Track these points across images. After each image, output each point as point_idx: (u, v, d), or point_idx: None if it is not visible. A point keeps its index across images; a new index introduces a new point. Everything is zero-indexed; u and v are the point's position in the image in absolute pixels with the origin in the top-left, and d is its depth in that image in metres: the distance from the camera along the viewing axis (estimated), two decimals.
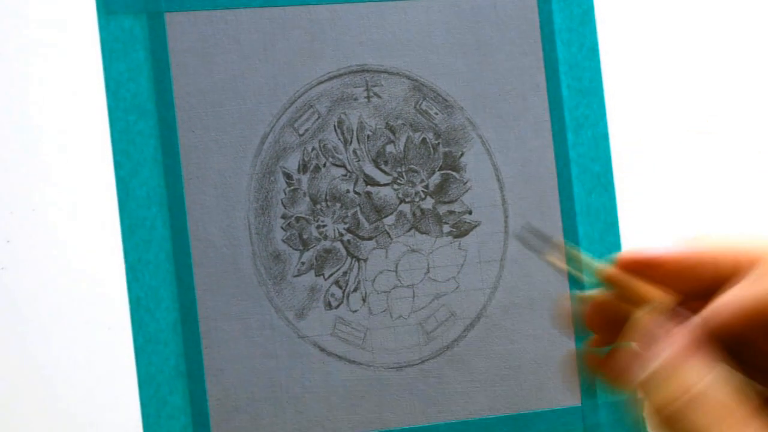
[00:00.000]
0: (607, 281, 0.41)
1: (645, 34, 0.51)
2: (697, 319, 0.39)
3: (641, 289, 0.40)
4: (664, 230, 0.50)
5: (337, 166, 0.47)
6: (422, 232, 0.48)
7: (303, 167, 0.47)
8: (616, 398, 0.48)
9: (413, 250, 0.48)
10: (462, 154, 0.49)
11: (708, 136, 0.51)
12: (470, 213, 0.48)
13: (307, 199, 0.47)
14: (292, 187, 0.47)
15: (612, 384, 0.44)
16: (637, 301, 0.40)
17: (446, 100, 0.49)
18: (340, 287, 0.47)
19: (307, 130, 0.47)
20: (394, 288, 0.47)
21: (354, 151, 0.48)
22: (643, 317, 0.39)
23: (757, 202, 0.52)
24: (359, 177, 0.47)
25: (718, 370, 0.38)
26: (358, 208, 0.47)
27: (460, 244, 0.48)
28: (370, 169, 0.48)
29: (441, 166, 0.48)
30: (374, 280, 0.47)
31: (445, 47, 0.49)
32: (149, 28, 0.46)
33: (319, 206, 0.47)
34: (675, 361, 0.38)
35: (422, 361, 0.47)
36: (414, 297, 0.48)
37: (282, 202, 0.47)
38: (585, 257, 0.41)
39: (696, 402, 0.37)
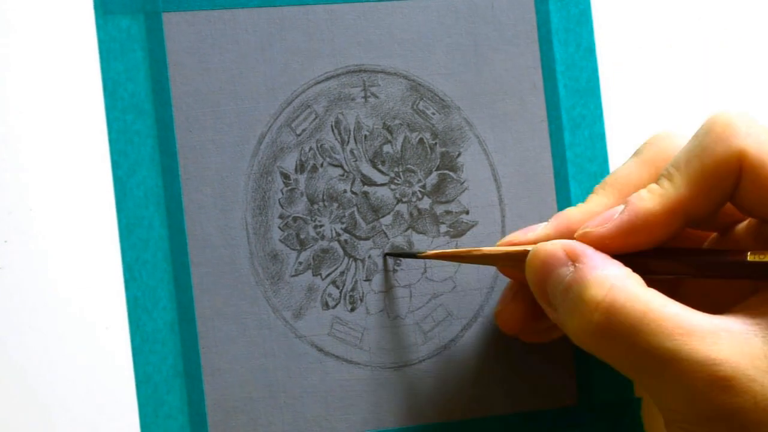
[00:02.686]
0: (484, 259, 0.43)
1: (642, 34, 0.51)
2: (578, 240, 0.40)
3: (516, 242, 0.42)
4: None
5: (335, 166, 0.47)
6: (419, 232, 0.48)
7: (300, 167, 0.47)
8: (613, 398, 0.49)
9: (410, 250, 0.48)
10: (459, 154, 0.49)
11: None
12: (467, 213, 0.49)
13: (305, 199, 0.47)
14: (289, 187, 0.47)
15: (529, 331, 0.45)
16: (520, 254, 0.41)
17: (443, 100, 0.49)
18: (338, 287, 0.47)
19: (304, 130, 0.47)
20: (391, 288, 0.48)
21: (351, 151, 0.48)
22: (532, 256, 0.40)
23: None
24: (356, 177, 0.48)
25: (622, 272, 0.38)
26: (355, 208, 0.47)
27: (457, 244, 0.48)
28: (367, 169, 0.48)
29: (438, 166, 0.48)
30: (371, 280, 0.47)
31: (442, 47, 0.49)
32: (146, 28, 0.46)
33: (316, 206, 0.47)
34: (578, 279, 0.38)
35: (419, 361, 0.47)
36: (411, 297, 0.48)
37: (279, 202, 0.47)
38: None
39: (613, 307, 0.36)
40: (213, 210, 0.46)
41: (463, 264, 0.48)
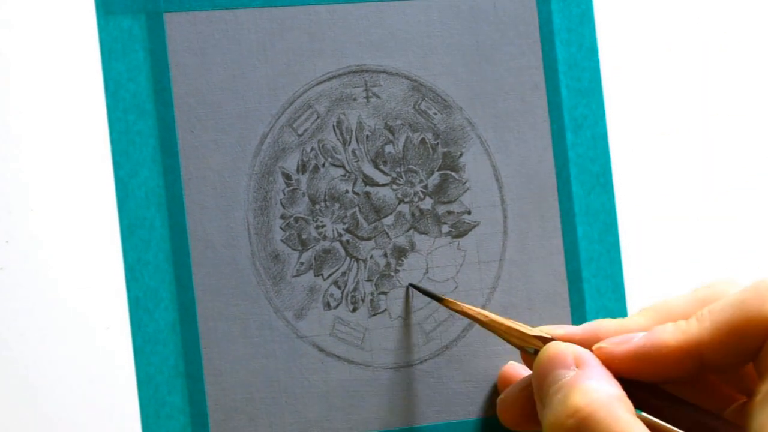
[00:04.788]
0: (493, 327, 0.43)
1: (644, 35, 0.51)
2: (591, 351, 0.40)
3: (532, 331, 0.43)
4: (663, 230, 0.50)
5: (336, 166, 0.47)
6: (421, 233, 0.48)
7: (302, 167, 0.47)
8: None
9: (412, 251, 0.48)
10: (461, 155, 0.49)
11: (708, 136, 0.51)
12: (469, 213, 0.49)
13: (306, 199, 0.47)
14: (291, 188, 0.47)
15: (514, 422, 0.45)
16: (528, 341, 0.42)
17: (445, 100, 0.49)
18: (339, 287, 0.47)
19: (306, 130, 0.47)
20: (393, 288, 0.48)
21: (353, 152, 0.48)
22: (544, 349, 0.41)
23: (757, 202, 0.52)
24: (358, 177, 0.47)
25: (614, 392, 0.38)
26: (357, 209, 0.47)
27: (459, 244, 0.48)
28: (369, 170, 0.48)
29: (440, 167, 0.48)
30: (373, 280, 0.47)
31: (444, 47, 0.49)
32: (148, 29, 0.46)
33: (318, 206, 0.47)
34: (570, 383, 0.39)
35: (421, 362, 0.47)
36: (413, 297, 0.48)
37: (281, 203, 0.47)
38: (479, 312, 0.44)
39: (589, 418, 0.37)
40: (214, 210, 0.46)
41: (465, 265, 0.48)
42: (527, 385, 0.45)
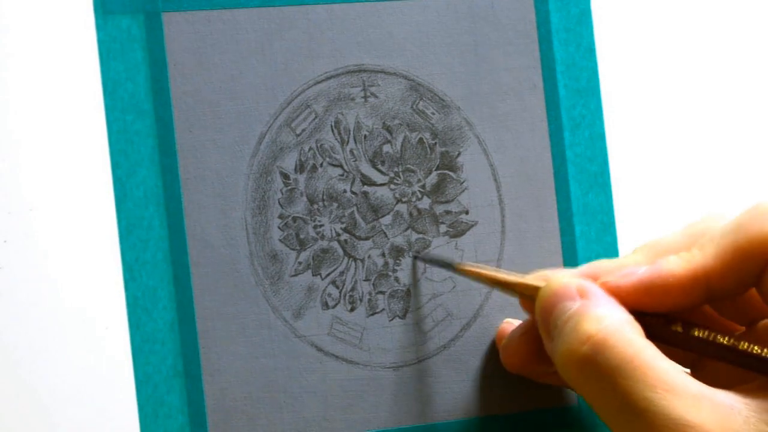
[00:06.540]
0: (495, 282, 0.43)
1: (642, 34, 0.51)
2: (596, 283, 0.40)
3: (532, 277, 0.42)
4: (660, 230, 0.50)
5: (334, 166, 0.47)
6: (419, 232, 0.48)
7: (300, 167, 0.47)
8: None
9: (410, 250, 0.48)
10: (459, 154, 0.49)
11: (706, 136, 0.51)
12: (467, 213, 0.49)
13: (304, 198, 0.47)
14: (289, 187, 0.47)
15: (516, 360, 0.45)
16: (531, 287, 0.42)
17: (443, 100, 0.49)
18: (337, 287, 0.47)
19: (304, 130, 0.47)
20: (391, 288, 0.48)
21: (351, 151, 0.48)
22: (546, 285, 0.41)
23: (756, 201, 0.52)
24: (356, 177, 0.48)
25: (624, 316, 0.38)
26: (354, 208, 0.47)
27: (456, 243, 0.48)
28: (366, 169, 0.48)
29: (438, 166, 0.48)
30: (371, 280, 0.47)
31: (442, 47, 0.49)
32: (146, 28, 0.46)
33: (316, 206, 0.47)
34: (580, 311, 0.39)
35: (419, 361, 0.48)
36: (411, 297, 0.48)
37: (279, 202, 0.47)
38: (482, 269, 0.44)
39: (603, 343, 0.37)
40: (213, 210, 0.46)
41: None
42: (529, 327, 0.44)
